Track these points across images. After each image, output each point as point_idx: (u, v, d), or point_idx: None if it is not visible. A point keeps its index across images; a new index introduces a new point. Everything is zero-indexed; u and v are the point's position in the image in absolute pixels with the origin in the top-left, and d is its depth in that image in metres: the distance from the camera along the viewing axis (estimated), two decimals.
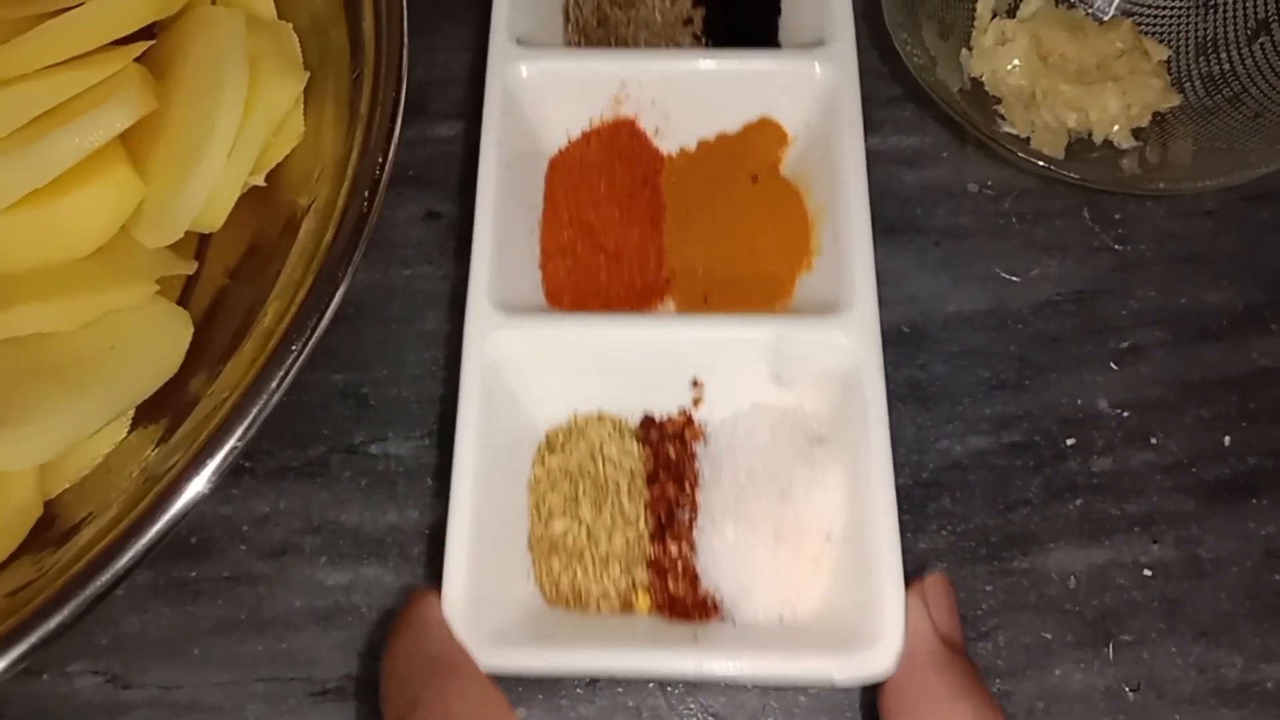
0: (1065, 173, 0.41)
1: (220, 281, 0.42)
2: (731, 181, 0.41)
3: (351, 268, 0.35)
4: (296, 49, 0.42)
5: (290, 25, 0.42)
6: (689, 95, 0.41)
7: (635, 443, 0.37)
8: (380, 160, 0.36)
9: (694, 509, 0.36)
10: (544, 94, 0.41)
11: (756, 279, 0.40)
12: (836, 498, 0.35)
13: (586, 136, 0.42)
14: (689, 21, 0.45)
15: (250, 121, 0.40)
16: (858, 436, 0.34)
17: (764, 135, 0.41)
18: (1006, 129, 0.45)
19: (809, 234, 0.39)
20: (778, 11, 0.45)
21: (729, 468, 0.37)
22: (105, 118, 0.39)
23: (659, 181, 0.42)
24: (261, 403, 0.32)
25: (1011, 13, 0.48)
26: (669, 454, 0.37)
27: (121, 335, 0.38)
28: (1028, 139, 0.45)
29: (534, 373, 0.37)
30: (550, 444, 0.37)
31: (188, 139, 0.39)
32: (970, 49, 0.47)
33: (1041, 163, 0.41)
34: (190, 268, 0.42)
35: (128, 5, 0.41)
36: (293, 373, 0.32)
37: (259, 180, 0.41)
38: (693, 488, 0.37)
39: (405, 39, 0.40)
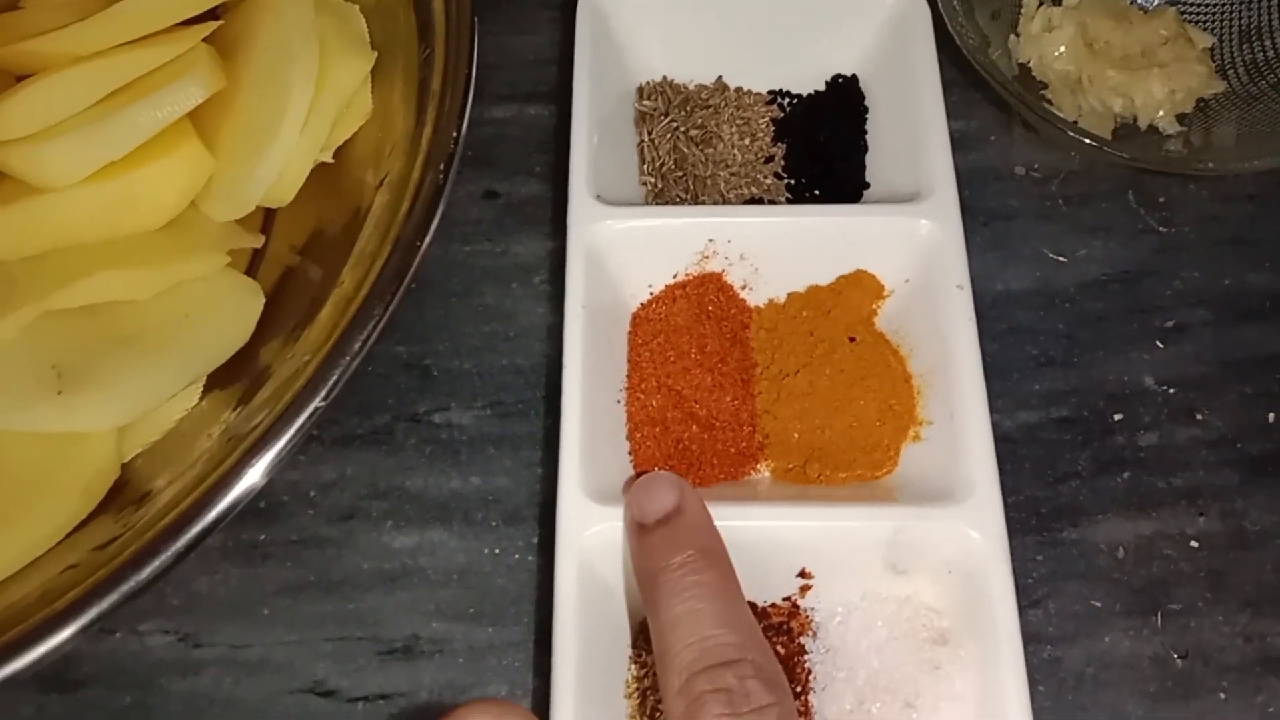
0: (1114, 151, 0.42)
1: (287, 258, 0.43)
2: (828, 341, 0.40)
3: (429, 237, 0.36)
4: (364, 29, 0.43)
5: (356, 6, 0.43)
6: (780, 249, 0.40)
7: None
8: (454, 135, 0.37)
9: (809, 717, 0.35)
10: (628, 251, 0.40)
11: (859, 447, 0.38)
12: (966, 710, 0.33)
13: (671, 291, 0.41)
14: (769, 159, 0.45)
15: (320, 100, 0.41)
16: (985, 637, 0.33)
17: (859, 288, 0.41)
18: (1054, 112, 0.46)
19: (914, 399, 0.39)
20: (864, 149, 0.45)
21: (844, 668, 0.35)
22: (178, 94, 0.40)
23: (748, 337, 0.41)
24: (344, 364, 0.33)
25: (1058, 0, 0.48)
26: (776, 650, 0.35)
27: (195, 304, 0.39)
28: (1074, 123, 0.45)
29: (629, 562, 0.35)
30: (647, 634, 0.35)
31: (259, 117, 0.40)
32: (1018, 35, 0.47)
33: (1090, 141, 0.42)
34: (258, 241, 0.43)
35: None
36: (374, 336, 0.33)
37: (327, 157, 0.42)
38: (804, 690, 0.35)
39: (474, 16, 0.41)
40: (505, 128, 0.48)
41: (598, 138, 0.42)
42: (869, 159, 0.45)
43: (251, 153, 0.40)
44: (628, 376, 0.40)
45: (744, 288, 0.41)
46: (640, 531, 0.34)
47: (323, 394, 0.33)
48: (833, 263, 0.41)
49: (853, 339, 0.40)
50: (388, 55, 0.42)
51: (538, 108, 0.48)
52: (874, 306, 0.41)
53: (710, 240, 0.41)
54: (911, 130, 0.43)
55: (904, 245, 0.40)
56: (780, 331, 0.41)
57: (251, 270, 0.43)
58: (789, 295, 0.42)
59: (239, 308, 0.40)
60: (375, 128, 0.42)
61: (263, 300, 0.40)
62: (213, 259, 0.40)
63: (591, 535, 0.35)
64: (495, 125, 0.48)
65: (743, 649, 0.30)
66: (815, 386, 0.39)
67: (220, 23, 0.43)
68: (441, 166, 0.36)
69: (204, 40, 0.41)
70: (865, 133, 0.45)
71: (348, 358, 0.33)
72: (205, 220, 0.42)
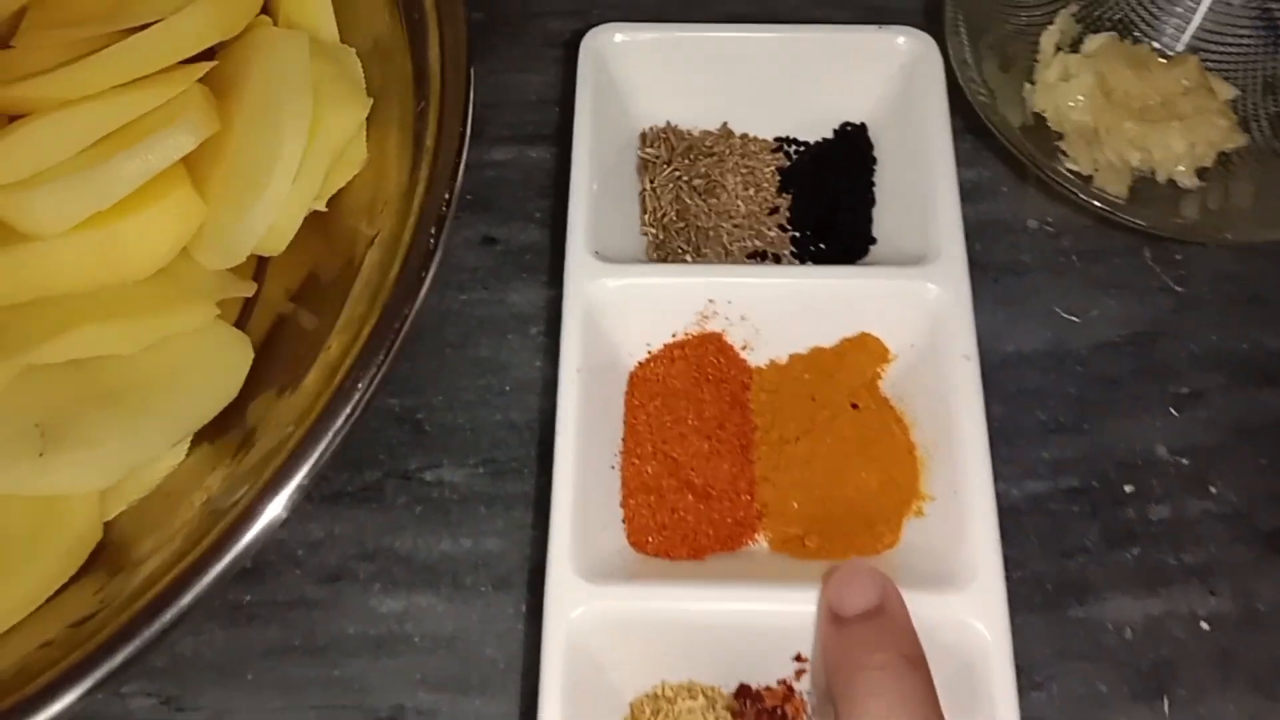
0: (1128, 218, 0.41)
1: (280, 305, 0.42)
2: (830, 407, 0.39)
3: (416, 304, 0.35)
4: (360, 74, 0.42)
5: (354, 50, 0.42)
6: (783, 310, 0.39)
7: (730, 716, 0.35)
8: (445, 196, 0.36)
9: None
10: (627, 309, 0.39)
11: (859, 519, 0.37)
12: None
13: (670, 351, 0.40)
14: (774, 210, 0.44)
15: (313, 148, 0.40)
16: None
17: (863, 351, 0.39)
18: (1069, 165, 0.45)
19: (917, 472, 0.37)
20: (872, 202, 0.44)
21: None
22: (169, 141, 0.39)
23: (747, 399, 0.40)
24: (327, 440, 0.32)
25: (1075, 46, 0.47)
26: None
27: (182, 359, 0.39)
28: (1090, 177, 0.44)
29: (620, 640, 0.34)
30: (636, 715, 0.35)
31: (251, 164, 0.40)
32: (1033, 83, 0.46)
33: (1101, 205, 0.41)
34: (250, 289, 0.42)
35: (192, 28, 0.41)
36: (359, 410, 0.32)
37: (321, 205, 0.41)
38: None
39: (470, 70, 0.40)
40: (505, 171, 0.47)
41: (598, 185, 0.41)
42: (876, 211, 0.44)
43: (243, 201, 0.39)
44: (623, 440, 0.39)
45: (744, 348, 0.40)
46: (836, 623, 0.32)
47: (304, 471, 0.32)
48: (836, 324, 0.40)
49: (855, 405, 0.39)
50: (384, 102, 0.41)
51: (539, 150, 0.47)
52: (878, 370, 0.40)
53: (711, 300, 0.39)
54: (921, 185, 0.42)
55: (910, 309, 0.39)
56: (781, 394, 0.40)
57: (243, 317, 0.42)
58: (791, 356, 0.41)
59: (228, 362, 0.39)
60: (370, 177, 0.41)
61: (251, 355, 0.39)
62: (203, 310, 0.40)
63: (580, 615, 0.34)
64: (495, 168, 0.47)
65: None
66: (816, 454, 0.38)
67: (214, 64, 0.41)
68: (433, 230, 0.35)
69: (200, 80, 0.40)
70: (873, 184, 0.44)
71: (331, 433, 0.32)
72: (195, 268, 0.41)
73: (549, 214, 0.46)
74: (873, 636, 0.32)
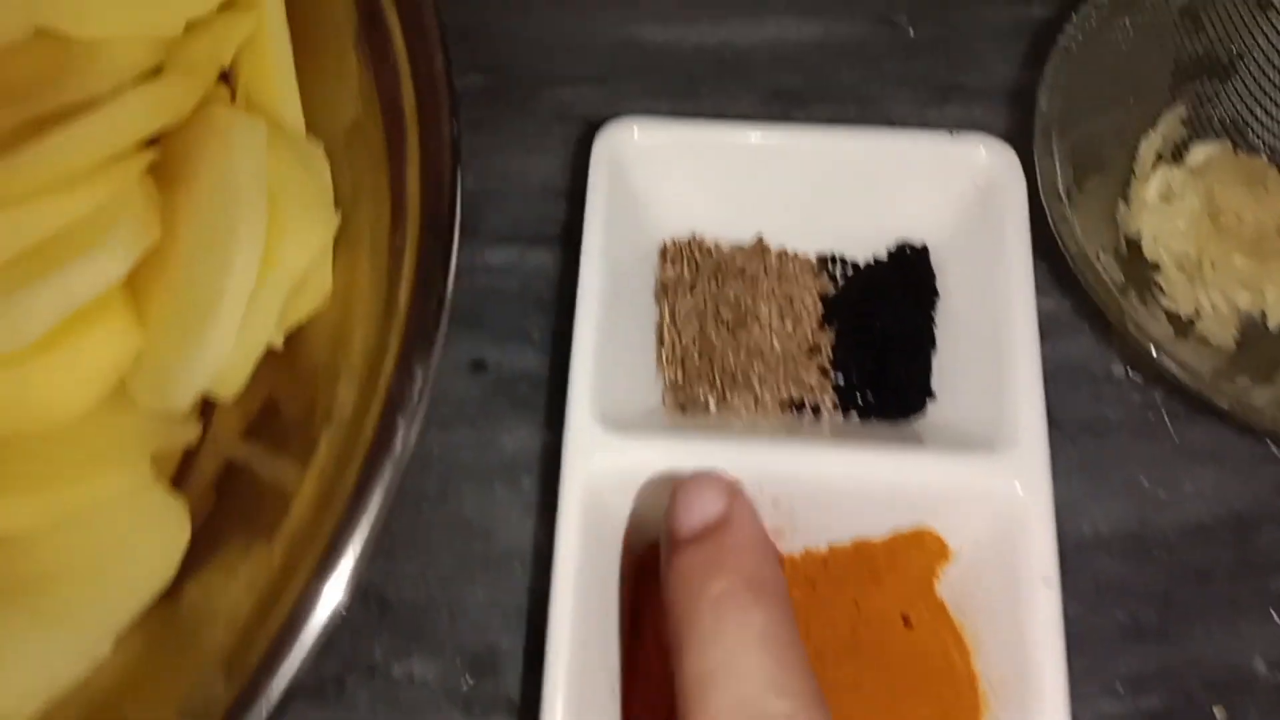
0: (1210, 397, 0.34)
1: (228, 446, 0.36)
2: (877, 622, 0.33)
3: (376, 504, 0.28)
4: (327, 180, 0.35)
5: (321, 146, 0.35)
6: (824, 495, 0.33)
7: None
8: (421, 381, 0.29)
9: None
10: (636, 490, 0.33)
11: None
12: None
13: None
14: (815, 350, 0.37)
15: (269, 279, 0.33)
16: None
17: (919, 549, 0.33)
18: (1165, 304, 0.38)
19: (979, 711, 0.31)
20: (932, 344, 0.37)
21: None
22: (98, 264, 0.32)
23: None
24: (290, 658, 0.26)
25: (1178, 154, 0.40)
26: None
27: (106, 538, 0.32)
28: (1190, 321, 0.37)
29: None
30: None
31: (194, 294, 0.33)
32: (1127, 201, 0.39)
33: (1190, 381, 0.34)
34: (193, 434, 0.35)
35: (133, 116, 0.34)
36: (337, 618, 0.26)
37: (277, 341, 0.34)
38: None
39: (458, 174, 0.33)
40: (500, 279, 0.40)
41: (608, 318, 0.35)
42: (937, 359, 0.37)
43: (183, 340, 0.33)
44: (627, 639, 0.33)
45: (776, 534, 0.34)
46: (675, 547, 0.27)
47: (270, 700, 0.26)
48: (887, 514, 0.34)
49: (908, 620, 0.33)
50: (354, 214, 0.34)
51: (541, 253, 0.40)
52: (935, 569, 0.34)
53: (738, 479, 0.33)
54: (994, 336, 0.35)
55: (978, 504, 0.33)
56: (819, 594, 0.34)
57: (183, 465, 0.36)
58: (831, 548, 0.34)
59: (160, 538, 0.33)
60: (336, 310, 0.34)
61: (188, 530, 0.33)
62: (132, 470, 0.33)
63: None
64: (489, 274, 0.40)
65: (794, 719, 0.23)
66: (861, 683, 0.32)
67: (157, 155, 0.35)
68: (400, 422, 0.29)
69: None
70: (934, 323, 0.37)
71: (293, 652, 0.26)
72: (124, 410, 0.34)
73: (549, 334, 0.39)
74: (709, 559, 0.26)
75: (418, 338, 0.30)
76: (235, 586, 0.31)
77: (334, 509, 0.29)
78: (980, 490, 0.33)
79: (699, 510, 0.27)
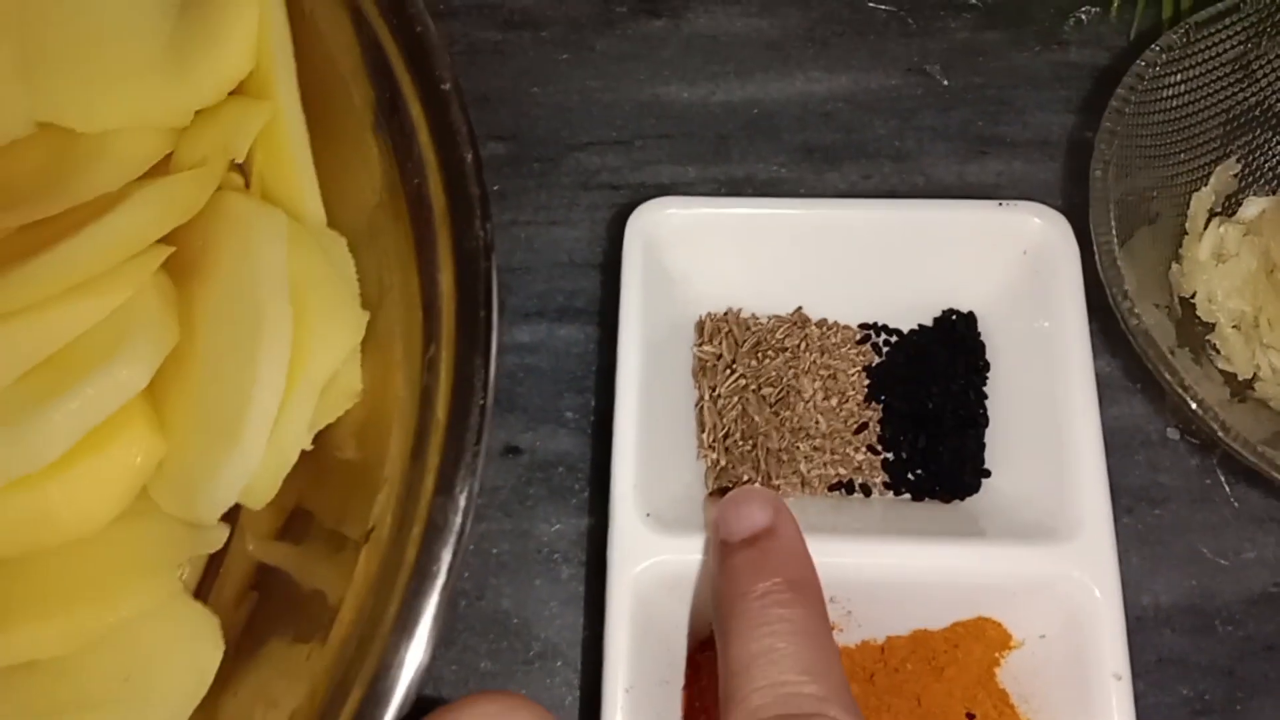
0: (1265, 468, 0.32)
1: (259, 550, 0.35)
2: (939, 717, 0.31)
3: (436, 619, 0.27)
4: (352, 274, 0.33)
5: (344, 241, 0.34)
6: (880, 589, 0.32)
7: None
8: (462, 519, 0.27)
9: None
10: (687, 589, 0.32)
11: None
12: None
13: None
14: (862, 428, 0.35)
15: (296, 387, 0.31)
16: None
17: (981, 641, 0.32)
18: (1221, 365, 0.36)
19: None
20: (984, 421, 0.35)
21: None
22: (115, 376, 0.31)
23: None
24: None
25: (1231, 207, 0.38)
26: None
27: (138, 657, 0.31)
28: (1248, 382, 0.36)
29: None
30: None
31: (220, 403, 0.32)
32: (1179, 260, 0.37)
33: (1249, 454, 0.32)
34: (219, 540, 0.34)
35: (144, 218, 0.33)
36: None
37: (306, 444, 0.33)
38: None
39: (493, 259, 0.31)
40: (531, 357, 0.38)
41: (648, 402, 0.34)
42: (991, 434, 0.35)
43: (211, 453, 0.31)
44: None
45: (833, 629, 0.33)
46: (724, 551, 0.30)
47: None
48: (947, 605, 0.33)
49: (971, 716, 0.31)
50: (382, 310, 0.33)
51: (572, 328, 0.39)
52: (998, 657, 0.32)
53: None
54: (1049, 408, 0.34)
55: (1042, 596, 0.32)
56: (878, 688, 0.32)
57: (210, 572, 0.35)
58: (889, 639, 0.33)
59: (191, 655, 0.31)
60: (367, 411, 0.33)
61: (222, 645, 0.32)
62: (160, 583, 0.32)
63: None
64: (519, 353, 0.38)
65: (824, 702, 0.26)
66: None
67: (173, 250, 0.33)
68: (444, 553, 0.27)
69: None
70: (985, 396, 0.36)
71: None
72: (150, 522, 0.33)
73: (584, 414, 0.38)
74: (756, 562, 0.29)
75: (458, 455, 0.28)
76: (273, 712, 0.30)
77: (378, 640, 0.28)
78: (1044, 582, 0.31)
79: (748, 519, 0.30)
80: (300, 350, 0.31)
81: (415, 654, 0.27)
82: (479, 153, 0.31)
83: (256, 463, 0.31)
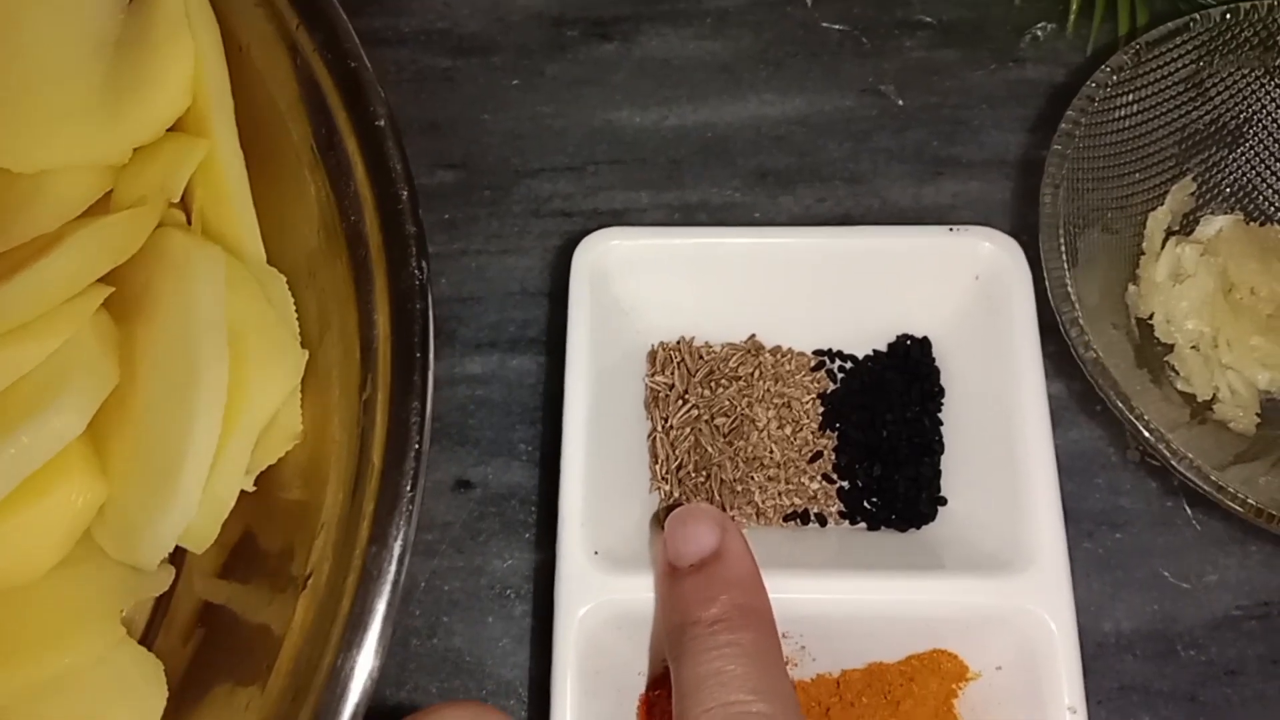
0: (1235, 505, 0.32)
1: (203, 588, 0.34)
2: None
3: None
4: (291, 314, 0.33)
5: (284, 279, 0.33)
6: (834, 623, 0.32)
7: None
8: (396, 562, 0.27)
9: None
10: (636, 628, 0.32)
11: None
12: None
13: None
14: (816, 457, 0.35)
15: (235, 429, 0.31)
16: None
17: (936, 674, 0.32)
18: (1181, 387, 0.36)
19: None
20: (939, 448, 0.35)
21: None
22: (53, 423, 0.31)
23: None
24: None
25: (1189, 225, 0.38)
26: None
27: (80, 705, 0.31)
28: (1208, 403, 0.36)
29: None
30: None
31: (158, 447, 0.31)
32: (1136, 281, 0.37)
33: (1191, 477, 0.32)
34: (165, 582, 0.33)
35: (82, 260, 0.32)
36: None
37: (248, 485, 0.32)
38: None
39: (428, 297, 0.31)
40: (483, 388, 0.38)
41: (597, 438, 0.33)
42: (945, 459, 0.35)
43: (151, 498, 0.31)
44: None
45: (787, 664, 0.32)
46: (671, 576, 0.30)
47: None
48: (903, 639, 0.32)
49: None
50: (321, 349, 0.33)
51: (523, 359, 0.38)
52: (954, 689, 0.32)
53: None
54: (1004, 434, 0.33)
55: (997, 628, 0.31)
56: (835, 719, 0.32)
57: (158, 611, 0.34)
58: (844, 673, 0.33)
59: (137, 703, 0.31)
60: (307, 451, 0.32)
61: (165, 691, 0.31)
62: (104, 630, 0.32)
63: None
64: (470, 385, 0.38)
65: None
66: None
67: (111, 290, 0.33)
68: (379, 604, 0.27)
69: None
70: (940, 422, 0.35)
71: None
72: (91, 563, 0.32)
73: (537, 446, 0.37)
74: (704, 587, 0.29)
75: (394, 502, 0.28)
76: None
77: (313, 692, 0.28)
78: (1000, 614, 0.31)
79: (694, 542, 0.30)
80: (238, 392, 0.31)
81: (349, 705, 0.26)
82: (414, 189, 0.30)
83: (194, 507, 0.30)
